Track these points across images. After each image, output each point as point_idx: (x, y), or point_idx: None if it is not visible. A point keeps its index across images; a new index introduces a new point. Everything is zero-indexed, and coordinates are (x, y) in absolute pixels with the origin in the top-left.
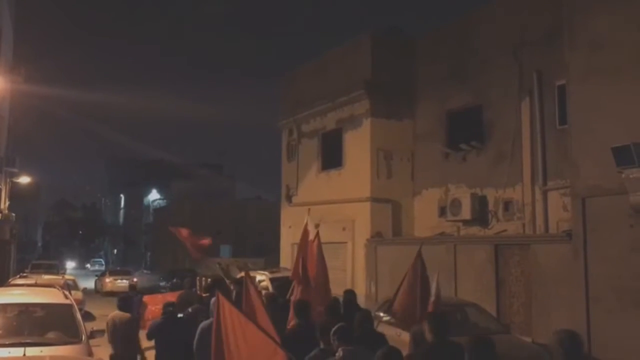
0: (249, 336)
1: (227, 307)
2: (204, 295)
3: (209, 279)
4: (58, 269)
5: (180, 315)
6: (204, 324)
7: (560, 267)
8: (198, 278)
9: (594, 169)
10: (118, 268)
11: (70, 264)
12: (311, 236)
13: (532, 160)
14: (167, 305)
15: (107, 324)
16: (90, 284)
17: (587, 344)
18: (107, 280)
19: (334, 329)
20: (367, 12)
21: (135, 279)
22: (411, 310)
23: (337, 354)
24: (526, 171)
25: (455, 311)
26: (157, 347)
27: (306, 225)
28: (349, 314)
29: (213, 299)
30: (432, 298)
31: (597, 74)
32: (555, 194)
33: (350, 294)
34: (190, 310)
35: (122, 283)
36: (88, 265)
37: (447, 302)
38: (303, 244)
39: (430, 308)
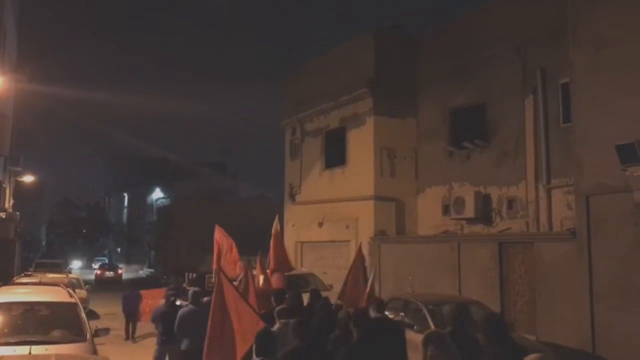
0: (240, 308)
1: (226, 285)
2: (188, 288)
3: (193, 275)
4: (62, 268)
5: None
6: (182, 310)
7: (564, 265)
8: (186, 274)
9: (597, 167)
10: (115, 264)
11: (76, 264)
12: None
13: (536, 158)
14: (168, 295)
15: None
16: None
17: (590, 342)
18: (99, 272)
19: (276, 310)
20: (369, 11)
21: (120, 271)
22: (355, 300)
23: (275, 326)
24: (530, 169)
25: None
26: (158, 328)
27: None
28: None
29: (191, 290)
30: (368, 289)
31: (601, 71)
32: (559, 192)
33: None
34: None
35: (110, 274)
36: (93, 265)
37: (450, 299)
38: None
39: (365, 297)
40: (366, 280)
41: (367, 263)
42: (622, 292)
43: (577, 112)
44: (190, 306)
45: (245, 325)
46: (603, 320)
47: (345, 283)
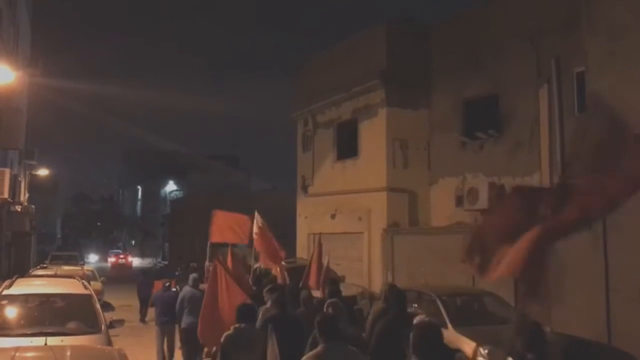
0: (230, 288)
1: (219, 269)
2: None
3: (195, 264)
4: (77, 260)
5: (173, 289)
6: (183, 292)
7: (580, 257)
8: (191, 264)
9: None
10: (126, 253)
11: (93, 257)
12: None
13: (551, 148)
14: (164, 282)
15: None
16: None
17: (606, 333)
18: (114, 260)
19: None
20: (381, 2)
21: (129, 258)
22: (316, 283)
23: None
24: (544, 159)
25: (473, 300)
26: (156, 310)
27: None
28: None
29: (190, 276)
30: (322, 275)
31: (617, 60)
32: None
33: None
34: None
35: (122, 261)
36: (109, 258)
37: (465, 291)
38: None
39: (322, 280)
40: (321, 266)
41: (382, 256)
42: (639, 284)
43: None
44: (190, 289)
45: (236, 304)
46: (619, 312)
47: (308, 270)
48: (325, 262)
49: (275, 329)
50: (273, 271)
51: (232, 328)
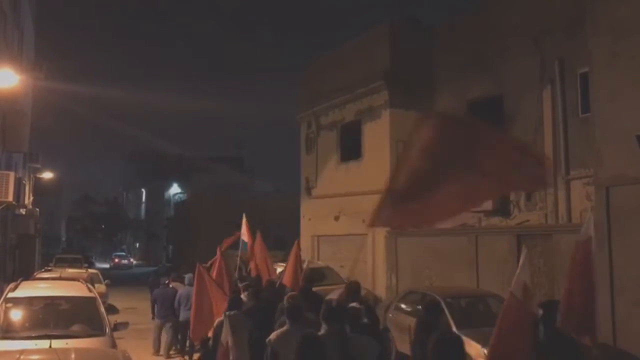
0: (212, 289)
1: (203, 273)
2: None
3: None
4: (82, 263)
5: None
6: (180, 290)
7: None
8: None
9: (617, 158)
10: (128, 255)
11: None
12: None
13: (555, 150)
14: (162, 280)
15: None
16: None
17: (611, 335)
18: (116, 260)
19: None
20: (384, 3)
21: (132, 260)
22: (295, 281)
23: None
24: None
25: (477, 302)
26: (157, 306)
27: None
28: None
29: (186, 276)
30: (302, 275)
31: (621, 61)
32: (578, 183)
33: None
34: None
35: (125, 261)
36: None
37: (469, 293)
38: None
39: (301, 279)
40: (302, 266)
41: (386, 257)
42: None
43: (596, 102)
44: (188, 288)
45: (218, 302)
46: (623, 313)
47: (286, 268)
48: (304, 264)
49: (252, 316)
50: (252, 267)
51: (223, 315)
